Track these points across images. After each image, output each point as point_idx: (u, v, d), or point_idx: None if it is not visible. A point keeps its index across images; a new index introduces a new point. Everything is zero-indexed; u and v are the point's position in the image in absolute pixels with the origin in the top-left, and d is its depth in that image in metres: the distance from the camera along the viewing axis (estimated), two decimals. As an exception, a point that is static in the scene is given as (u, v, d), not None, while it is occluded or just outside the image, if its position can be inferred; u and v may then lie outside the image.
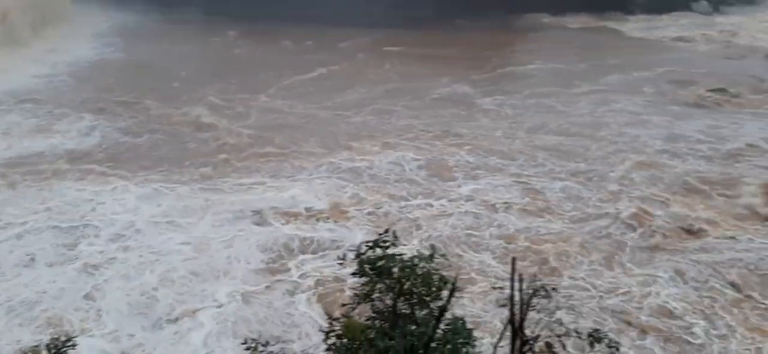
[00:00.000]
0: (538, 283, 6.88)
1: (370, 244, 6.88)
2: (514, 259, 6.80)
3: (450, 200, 24.37)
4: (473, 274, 19.40)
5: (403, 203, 24.24)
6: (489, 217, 23.07)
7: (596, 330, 6.52)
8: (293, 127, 32.47)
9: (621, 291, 18.74)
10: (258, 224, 22.63)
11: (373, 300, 7.17)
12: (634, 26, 57.05)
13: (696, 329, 17.11)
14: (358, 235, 21.38)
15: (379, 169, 27.14)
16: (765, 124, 32.10)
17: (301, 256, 20.58)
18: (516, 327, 6.62)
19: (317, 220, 22.88)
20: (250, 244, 21.28)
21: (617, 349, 6.49)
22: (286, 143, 29.98)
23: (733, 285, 18.92)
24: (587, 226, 22.33)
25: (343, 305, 7.45)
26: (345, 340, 6.93)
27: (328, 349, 7.09)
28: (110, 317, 17.76)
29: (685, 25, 56.77)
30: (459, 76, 40.41)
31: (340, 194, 24.95)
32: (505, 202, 24.18)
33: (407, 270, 6.66)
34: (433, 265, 6.67)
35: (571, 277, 19.38)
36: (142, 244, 21.38)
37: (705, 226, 22.05)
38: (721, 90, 37.01)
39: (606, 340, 6.43)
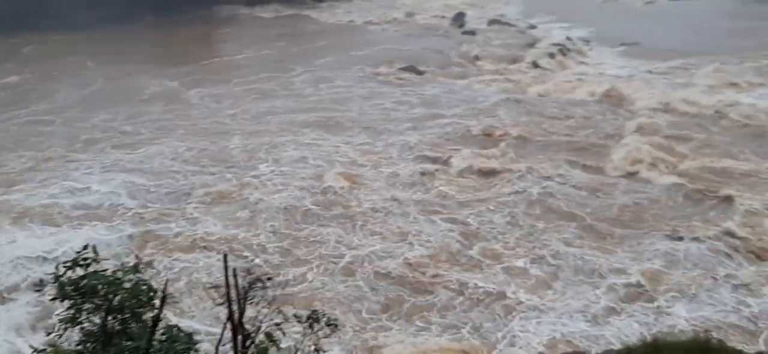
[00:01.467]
0: (254, 275, 6.85)
1: (69, 263, 6.34)
2: (225, 255, 6.68)
3: (274, 183, 24.02)
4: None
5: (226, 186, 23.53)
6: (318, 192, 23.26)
7: (314, 311, 6.66)
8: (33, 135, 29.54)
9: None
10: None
11: (81, 323, 6.63)
12: (327, 13, 59.53)
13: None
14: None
15: (157, 164, 25.65)
16: (468, 93, 35.42)
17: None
18: (235, 323, 6.54)
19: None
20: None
21: (336, 326, 6.69)
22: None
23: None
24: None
25: (49, 334, 6.79)
26: (53, 372, 6.34)
27: (35, 385, 6.43)
28: None
29: (371, 8, 60.36)
30: (166, 73, 39.38)
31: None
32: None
33: (113, 285, 6.26)
34: (140, 275, 6.34)
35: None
36: None
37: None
38: (411, 68, 40.03)
39: (324, 319, 6.60)
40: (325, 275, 18.28)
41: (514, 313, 16.50)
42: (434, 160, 26.11)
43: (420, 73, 39.51)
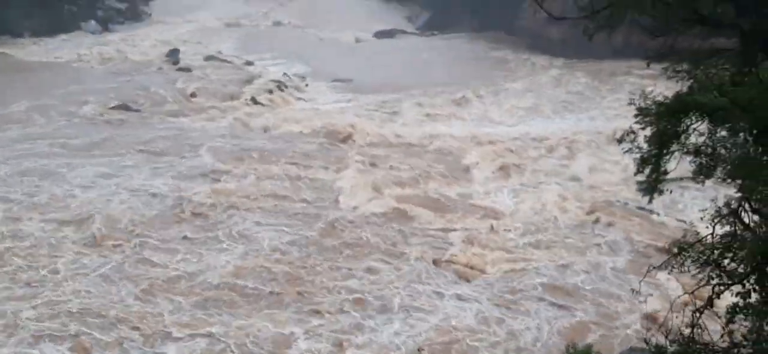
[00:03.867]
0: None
1: None
2: None
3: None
4: None
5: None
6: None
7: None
8: None
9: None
10: None
11: None
12: (28, 50, 54.98)
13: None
14: None
15: None
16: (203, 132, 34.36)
17: None
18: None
19: None
20: None
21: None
22: None
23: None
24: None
25: None
26: None
27: None
28: None
29: (78, 45, 56.93)
30: None
31: None
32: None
33: None
34: None
35: None
36: None
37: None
38: (124, 106, 38.17)
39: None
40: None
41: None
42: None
43: (135, 111, 37.94)
